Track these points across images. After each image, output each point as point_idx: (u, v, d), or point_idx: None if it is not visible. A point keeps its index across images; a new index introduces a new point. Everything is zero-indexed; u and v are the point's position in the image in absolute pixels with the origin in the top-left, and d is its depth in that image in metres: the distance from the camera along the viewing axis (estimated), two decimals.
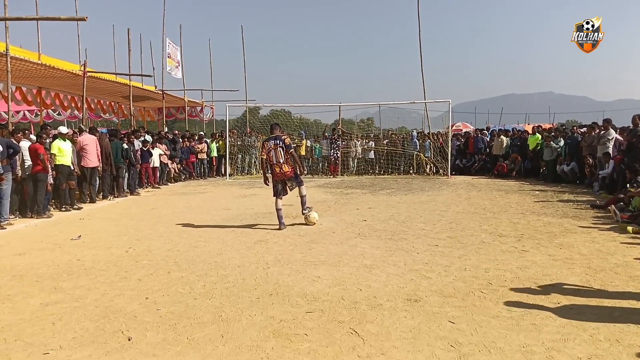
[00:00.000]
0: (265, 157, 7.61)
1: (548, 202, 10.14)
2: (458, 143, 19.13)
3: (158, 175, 15.09)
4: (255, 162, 18.95)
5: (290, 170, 7.63)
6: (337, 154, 18.09)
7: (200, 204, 10.89)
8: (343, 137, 18.55)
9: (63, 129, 10.39)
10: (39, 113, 18.82)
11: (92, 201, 11.08)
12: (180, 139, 17.40)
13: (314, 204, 10.08)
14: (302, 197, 7.87)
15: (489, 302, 4.11)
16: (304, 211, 7.84)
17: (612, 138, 11.94)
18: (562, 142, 14.30)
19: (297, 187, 7.80)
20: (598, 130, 12.70)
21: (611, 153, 11.63)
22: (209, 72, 25.40)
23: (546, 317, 3.75)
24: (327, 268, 5.27)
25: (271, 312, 3.97)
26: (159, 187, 14.63)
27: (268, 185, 7.82)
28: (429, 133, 19.30)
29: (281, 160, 7.54)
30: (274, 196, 7.74)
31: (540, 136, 15.74)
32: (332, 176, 17.79)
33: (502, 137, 17.48)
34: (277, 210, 7.67)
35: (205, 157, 18.28)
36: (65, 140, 9.98)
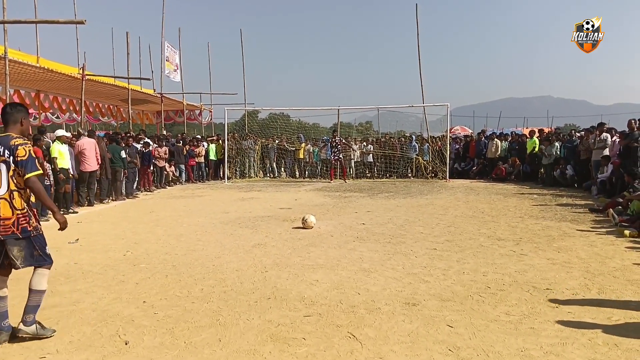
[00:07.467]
0: None
1: (546, 206, 10.15)
2: (457, 147, 19.15)
3: (156, 178, 15.06)
4: (253, 165, 18.95)
5: (10, 216, 3.42)
6: (339, 156, 16.92)
7: (198, 207, 10.87)
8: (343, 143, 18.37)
9: (60, 132, 10.41)
10: (37, 116, 18.82)
11: (90, 204, 11.06)
12: (181, 142, 17.37)
13: (311, 208, 10.08)
14: (30, 290, 3.57)
15: (487, 306, 4.11)
16: (18, 326, 3.53)
17: (607, 140, 12.03)
18: (556, 147, 14.35)
19: (29, 267, 3.58)
20: (594, 135, 12.78)
21: (610, 156, 11.68)
22: (208, 75, 25.51)
23: (544, 321, 3.75)
24: (325, 272, 5.26)
25: (269, 315, 3.96)
26: (151, 191, 14.56)
27: None
28: (427, 137, 19.33)
29: (1, 192, 3.44)
30: None
31: (538, 140, 15.78)
32: (330, 181, 16.85)
33: (495, 140, 17.43)
34: None
35: (204, 160, 18.26)
36: (62, 144, 9.98)
